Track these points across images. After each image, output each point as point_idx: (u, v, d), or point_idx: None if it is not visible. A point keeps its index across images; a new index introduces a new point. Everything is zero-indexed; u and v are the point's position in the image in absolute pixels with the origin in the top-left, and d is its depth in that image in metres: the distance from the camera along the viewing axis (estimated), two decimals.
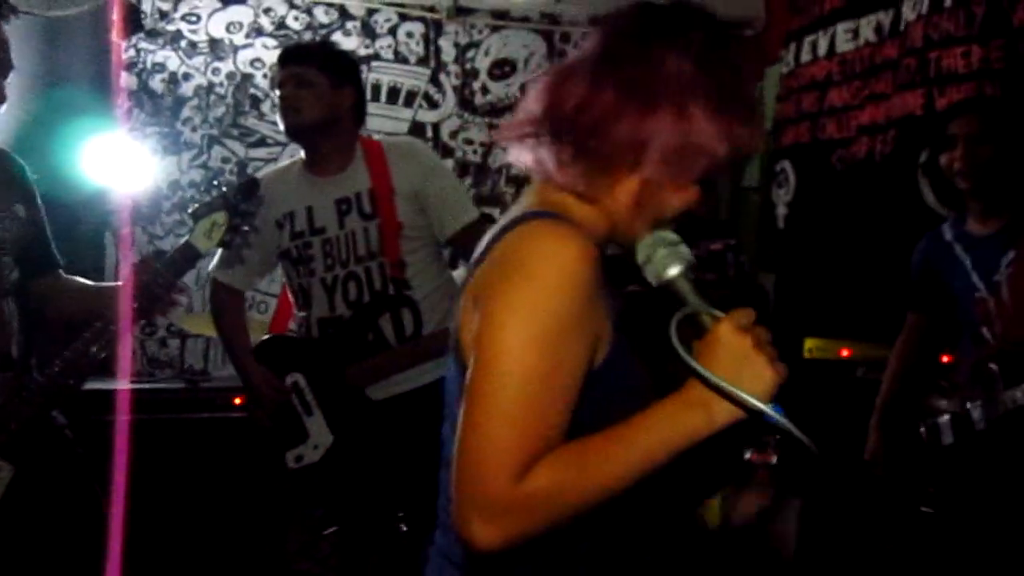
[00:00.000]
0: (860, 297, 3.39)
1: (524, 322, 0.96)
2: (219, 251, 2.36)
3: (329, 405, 2.54)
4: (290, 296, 2.74)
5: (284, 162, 2.89)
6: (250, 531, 3.26)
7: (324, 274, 2.54)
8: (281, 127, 2.61)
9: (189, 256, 1.88)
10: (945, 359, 2.59)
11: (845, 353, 3.31)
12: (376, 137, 2.97)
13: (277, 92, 2.60)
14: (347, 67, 2.63)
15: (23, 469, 1.73)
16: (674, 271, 1.02)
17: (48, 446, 1.84)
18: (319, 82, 2.51)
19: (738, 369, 0.94)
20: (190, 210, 1.93)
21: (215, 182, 1.93)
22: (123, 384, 3.19)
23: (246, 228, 1.89)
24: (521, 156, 1.13)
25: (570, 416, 0.99)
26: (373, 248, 2.51)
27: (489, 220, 2.88)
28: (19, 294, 1.85)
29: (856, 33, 3.54)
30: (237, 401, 3.21)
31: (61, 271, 2.03)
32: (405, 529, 2.74)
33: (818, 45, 3.73)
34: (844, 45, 3.59)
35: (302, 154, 2.67)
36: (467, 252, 2.72)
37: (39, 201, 1.96)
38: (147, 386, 3.40)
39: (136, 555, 1.95)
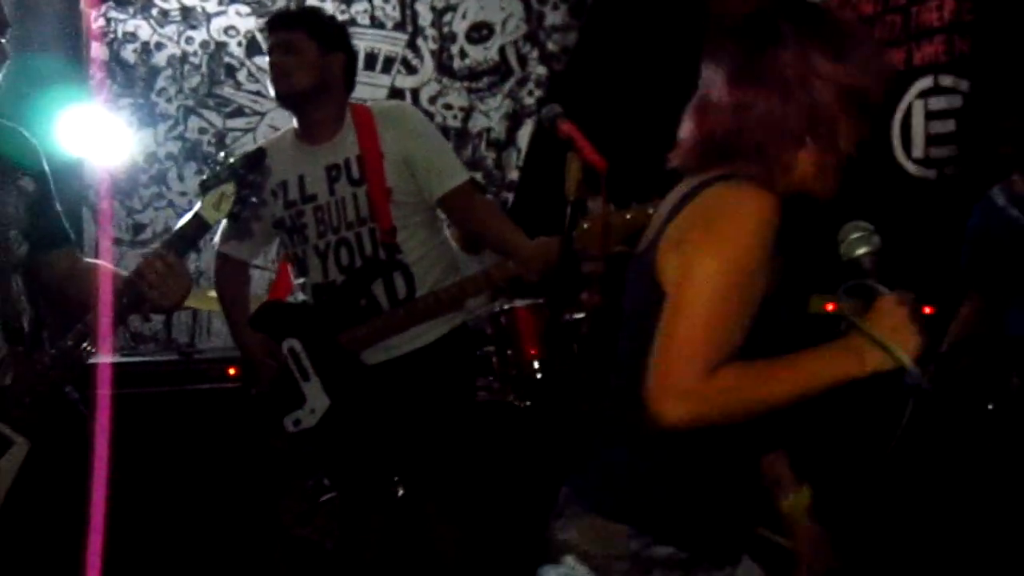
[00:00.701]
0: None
1: (723, 255, 1.25)
2: (223, 224, 2.34)
3: (325, 370, 2.55)
4: (291, 264, 2.75)
5: (278, 132, 2.88)
6: (247, 500, 3.27)
7: (317, 241, 2.53)
8: (271, 94, 2.58)
9: (198, 227, 1.85)
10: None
11: (830, 308, 3.36)
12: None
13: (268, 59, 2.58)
14: (337, 33, 2.61)
15: (38, 443, 1.72)
16: (860, 251, 1.30)
17: (62, 421, 1.82)
18: (309, 48, 2.49)
19: (893, 331, 1.23)
20: (198, 182, 1.90)
21: (222, 153, 1.91)
22: (108, 358, 3.18)
23: (254, 199, 1.86)
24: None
25: (746, 332, 1.26)
26: (363, 214, 2.51)
27: (476, 184, 2.89)
28: (28, 269, 1.83)
29: None
30: (231, 372, 3.20)
31: (76, 249, 2.01)
32: (401, 492, 2.77)
33: None
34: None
35: (295, 123, 2.66)
36: (457, 214, 2.68)
37: (48, 176, 1.93)
38: (140, 359, 3.38)
39: (134, 527, 1.96)
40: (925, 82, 3.23)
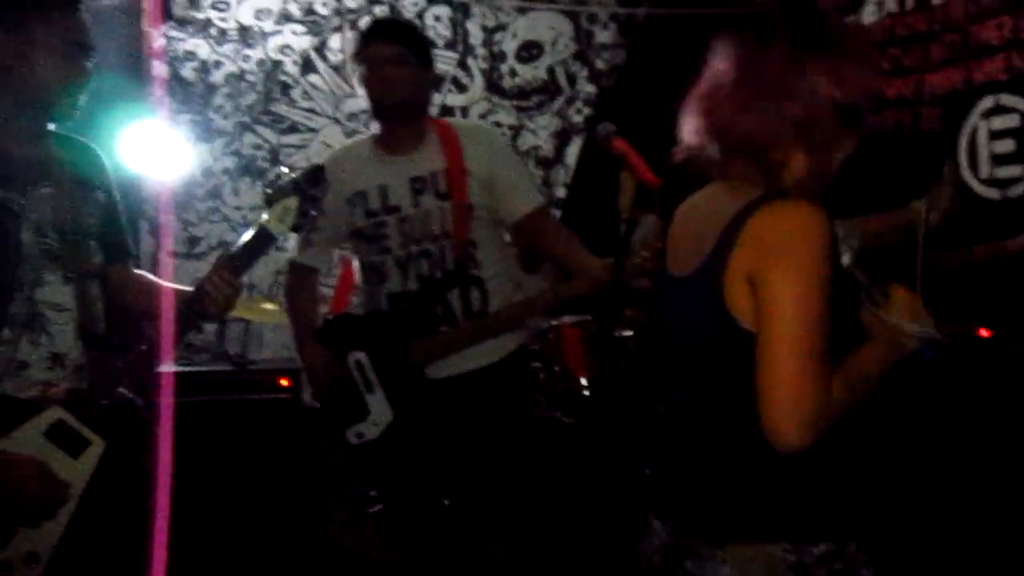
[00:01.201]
0: None
1: (807, 281, 1.29)
2: (293, 235, 2.38)
3: (390, 382, 2.57)
4: (355, 272, 2.77)
5: (350, 141, 2.94)
6: (296, 509, 3.31)
7: (398, 251, 2.57)
8: (366, 104, 2.63)
9: (264, 239, 1.92)
10: None
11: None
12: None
13: (360, 66, 2.58)
14: (428, 48, 2.67)
15: (112, 445, 1.78)
16: (845, 262, 1.43)
17: (130, 425, 1.88)
18: (412, 62, 2.52)
19: (915, 314, 1.40)
20: (262, 196, 1.97)
21: (284, 168, 1.97)
22: (171, 368, 3.25)
23: (314, 213, 1.93)
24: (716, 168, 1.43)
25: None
26: (447, 227, 2.54)
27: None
28: (102, 277, 1.90)
29: (880, 5, 3.55)
30: (283, 382, 3.25)
31: (131, 262, 2.08)
32: (447, 503, 2.78)
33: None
34: (869, 18, 3.60)
35: (371, 131, 2.70)
36: (530, 236, 2.70)
37: (117, 192, 2.01)
38: (196, 368, 3.45)
39: (188, 533, 1.99)
40: (987, 102, 3.20)
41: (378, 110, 2.57)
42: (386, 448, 2.57)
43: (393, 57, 2.51)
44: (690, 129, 1.41)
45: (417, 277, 2.56)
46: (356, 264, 2.76)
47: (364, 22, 4.25)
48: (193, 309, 1.83)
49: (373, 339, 2.58)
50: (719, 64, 1.38)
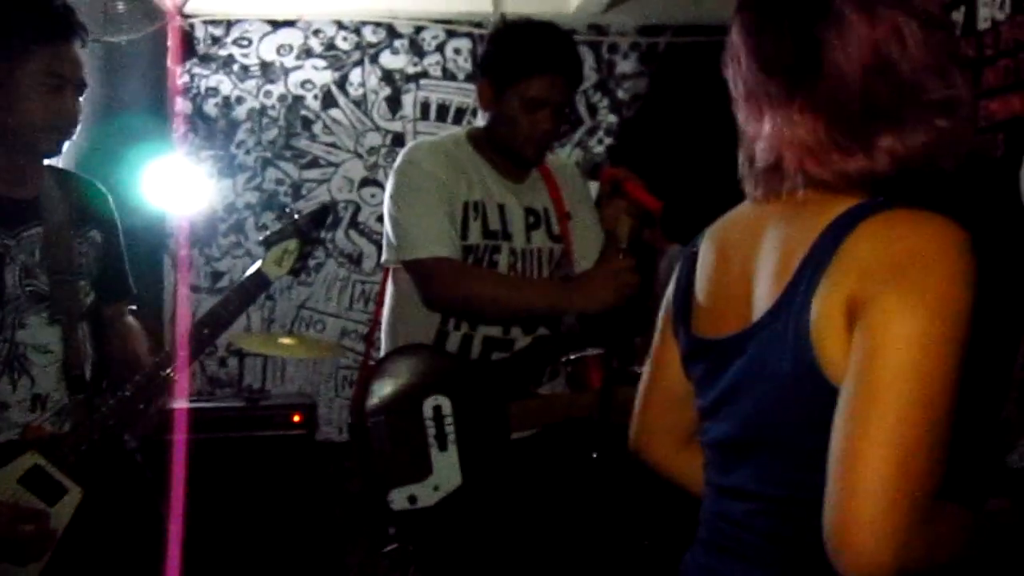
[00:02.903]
0: None
1: (942, 321, 0.88)
2: (423, 233, 2.10)
3: (470, 442, 2.10)
4: (406, 291, 2.24)
5: (442, 135, 2.41)
6: (310, 547, 3.27)
7: None
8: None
9: (260, 284, 1.89)
10: None
11: None
12: None
13: (507, 95, 2.12)
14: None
15: (92, 491, 1.75)
16: None
17: (117, 469, 1.86)
18: (571, 106, 2.22)
19: None
20: (261, 238, 1.93)
21: (287, 209, 1.94)
22: (182, 403, 3.25)
23: (317, 256, 1.89)
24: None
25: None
26: (555, 273, 2.24)
27: None
28: (94, 317, 1.88)
29: None
30: (296, 418, 3.23)
31: (129, 303, 2.06)
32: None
33: None
34: None
35: (458, 132, 2.32)
36: None
37: (118, 230, 2.00)
38: (207, 405, 3.44)
39: (197, 571, 1.96)
40: None
41: (511, 154, 2.17)
42: (439, 518, 2.11)
43: (563, 106, 2.12)
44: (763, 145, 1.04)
45: (522, 327, 2.20)
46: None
47: (384, 56, 4.27)
48: (151, 383, 1.80)
49: (464, 385, 2.12)
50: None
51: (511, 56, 2.14)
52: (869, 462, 0.85)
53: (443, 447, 2.09)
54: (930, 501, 0.87)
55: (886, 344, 0.87)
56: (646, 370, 1.28)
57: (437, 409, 2.10)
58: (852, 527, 0.86)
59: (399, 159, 2.24)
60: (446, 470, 2.08)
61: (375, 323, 2.40)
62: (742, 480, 1.05)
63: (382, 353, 2.29)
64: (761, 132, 1.03)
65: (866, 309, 0.89)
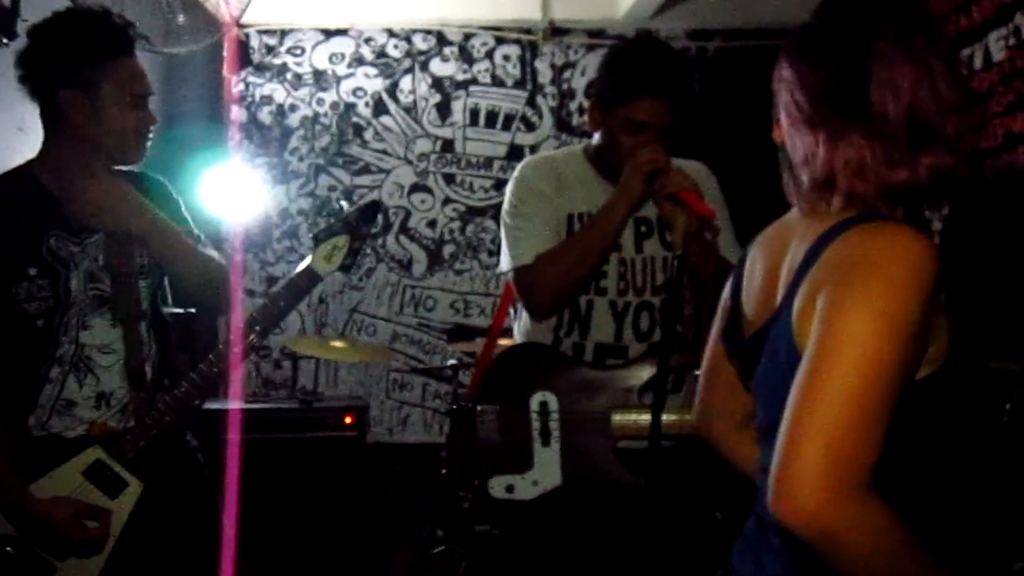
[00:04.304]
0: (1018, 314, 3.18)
1: (876, 314, 1.01)
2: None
3: (573, 441, 2.12)
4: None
5: (555, 152, 2.49)
6: (359, 547, 3.32)
7: (615, 297, 2.22)
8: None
9: (310, 279, 1.93)
10: None
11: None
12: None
13: (632, 121, 2.10)
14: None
15: (151, 486, 1.81)
16: None
17: (178, 467, 1.91)
18: (673, 128, 2.12)
19: None
20: (311, 233, 1.97)
21: (337, 204, 1.97)
22: (237, 404, 3.32)
23: (367, 251, 1.92)
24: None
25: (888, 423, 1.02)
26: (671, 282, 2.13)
27: None
28: (155, 317, 1.94)
29: (1006, 40, 3.44)
30: (348, 420, 3.29)
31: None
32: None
33: (974, 57, 3.62)
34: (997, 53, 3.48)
35: (575, 147, 2.35)
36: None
37: (182, 207, 2.05)
38: (263, 406, 3.51)
39: (248, 568, 2.00)
40: None
41: (615, 171, 2.15)
42: (531, 514, 2.13)
43: (668, 128, 2.10)
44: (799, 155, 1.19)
45: (635, 333, 2.19)
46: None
47: (434, 63, 4.32)
48: (206, 379, 1.85)
49: (573, 387, 2.15)
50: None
51: (615, 78, 2.14)
52: (804, 429, 1.00)
53: (546, 443, 2.12)
54: (863, 476, 0.98)
55: (830, 333, 1.02)
56: (707, 357, 1.41)
57: (543, 404, 2.13)
58: (786, 481, 0.99)
59: (514, 173, 2.30)
60: (547, 466, 2.11)
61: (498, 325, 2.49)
62: (766, 458, 1.18)
63: None
64: (812, 153, 1.16)
65: (821, 300, 1.06)
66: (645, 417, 2.03)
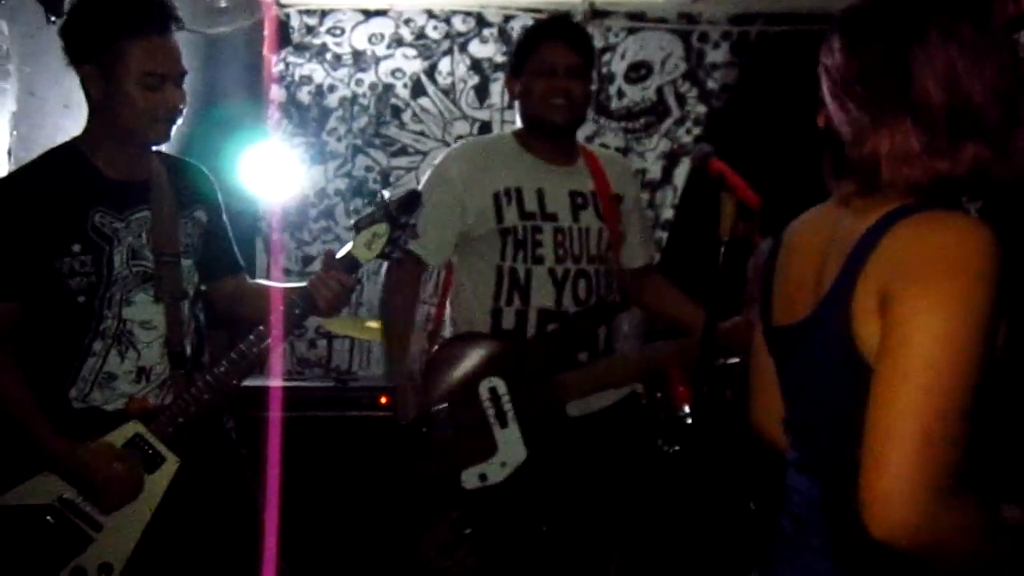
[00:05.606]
0: None
1: (957, 314, 1.00)
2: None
3: (528, 417, 2.23)
4: (483, 281, 2.38)
5: (484, 136, 2.83)
6: (390, 528, 3.34)
7: (554, 265, 2.34)
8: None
9: (350, 266, 1.94)
10: None
11: None
12: None
13: (525, 73, 2.32)
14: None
15: (188, 462, 1.83)
16: None
17: (213, 445, 1.94)
18: (589, 76, 2.37)
19: None
20: (352, 221, 1.99)
21: (380, 193, 1.99)
22: (276, 382, 3.35)
23: (406, 240, 1.93)
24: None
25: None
26: (602, 251, 2.37)
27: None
28: (196, 297, 1.97)
29: None
30: (383, 400, 3.30)
31: (245, 275, 2.14)
32: (545, 529, 2.72)
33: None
34: None
35: (506, 132, 2.56)
36: (632, 289, 2.47)
37: (222, 210, 2.08)
38: (298, 384, 3.54)
39: (282, 547, 2.02)
40: None
41: (540, 124, 2.32)
42: (511, 494, 2.25)
43: (573, 68, 2.29)
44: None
45: (574, 298, 2.32)
46: (464, 271, 2.41)
47: (473, 44, 4.30)
48: (302, 306, 1.87)
49: (514, 365, 2.26)
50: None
51: (518, 44, 2.42)
52: (892, 441, 0.98)
53: (504, 424, 2.22)
54: (951, 482, 0.98)
55: (910, 337, 1.00)
56: (753, 355, 1.40)
57: (492, 390, 2.24)
58: (878, 494, 0.98)
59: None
60: (511, 445, 2.22)
61: (438, 320, 2.59)
62: (804, 456, 1.20)
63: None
64: (857, 138, 1.13)
65: (894, 302, 1.02)
66: (582, 373, 2.23)
